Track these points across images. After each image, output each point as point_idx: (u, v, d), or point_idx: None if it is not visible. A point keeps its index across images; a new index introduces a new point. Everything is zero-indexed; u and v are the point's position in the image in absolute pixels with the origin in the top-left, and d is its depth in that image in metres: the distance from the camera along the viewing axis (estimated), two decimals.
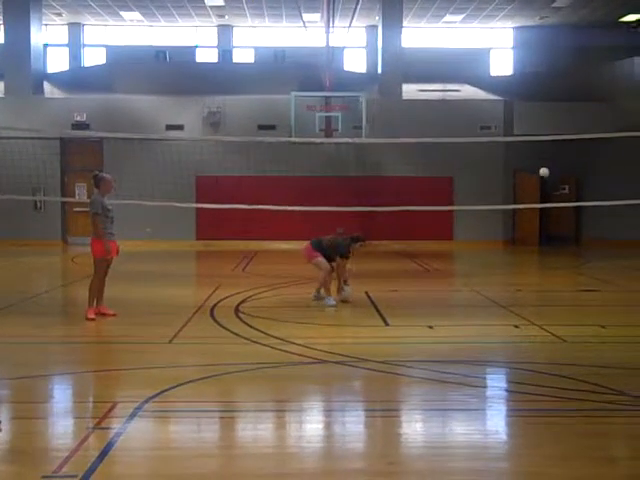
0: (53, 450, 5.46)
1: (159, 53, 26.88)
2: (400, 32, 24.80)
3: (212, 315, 11.01)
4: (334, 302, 11.77)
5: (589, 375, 7.45)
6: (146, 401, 6.53)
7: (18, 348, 8.84)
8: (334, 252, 11.92)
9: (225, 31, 29.36)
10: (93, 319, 10.58)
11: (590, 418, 6.29)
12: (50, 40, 28.66)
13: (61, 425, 6.26)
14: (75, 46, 29.31)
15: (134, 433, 5.85)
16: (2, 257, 19.73)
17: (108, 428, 5.92)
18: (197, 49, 29.59)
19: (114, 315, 10.88)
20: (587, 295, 13.61)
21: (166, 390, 6.89)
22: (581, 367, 7.85)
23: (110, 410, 6.35)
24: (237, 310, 11.40)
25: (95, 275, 10.86)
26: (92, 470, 4.99)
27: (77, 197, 22.53)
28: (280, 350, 8.64)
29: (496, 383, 7.90)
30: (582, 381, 7.22)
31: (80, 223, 22.35)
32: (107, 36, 29.58)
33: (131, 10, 27.30)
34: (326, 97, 21.72)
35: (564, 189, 24.53)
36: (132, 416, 6.15)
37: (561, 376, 7.42)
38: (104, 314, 10.89)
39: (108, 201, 10.99)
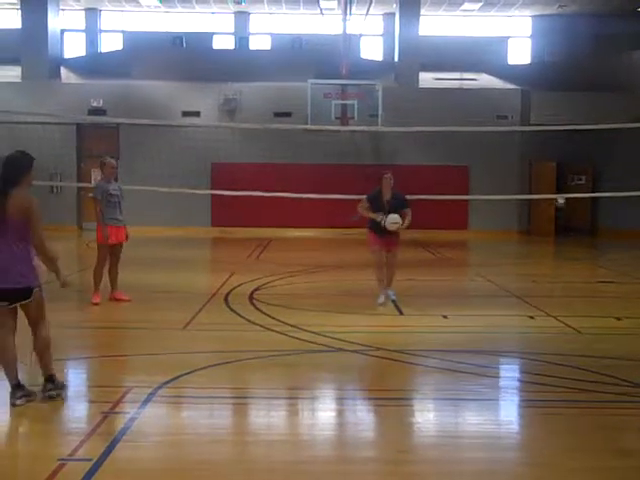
0: (69, 434, 5.51)
1: (176, 39, 26.84)
2: (417, 20, 24.67)
3: (226, 302, 11.04)
4: (381, 300, 10.91)
5: (604, 367, 7.42)
6: (160, 387, 6.57)
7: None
8: (376, 206, 10.89)
9: (242, 18, 29.30)
10: (97, 303, 10.66)
11: (604, 410, 6.27)
12: (67, 25, 28.66)
13: (76, 409, 6.30)
14: (92, 32, 29.33)
15: (148, 418, 5.89)
16: None
17: (122, 413, 5.96)
18: (214, 35, 29.54)
19: (129, 300, 10.95)
20: (603, 286, 13.55)
21: (180, 376, 6.92)
22: (596, 359, 7.82)
23: (124, 395, 6.39)
24: (251, 297, 11.43)
25: (97, 261, 10.93)
26: (107, 454, 5.04)
27: (93, 183, 22.59)
28: (294, 338, 8.65)
29: (510, 373, 7.88)
30: (597, 373, 7.19)
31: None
32: (124, 22, 29.56)
33: None
34: (342, 85, 21.66)
35: (580, 179, 24.38)
36: (146, 401, 6.19)
37: (575, 367, 7.40)
38: (119, 299, 10.96)
39: (113, 185, 10.97)
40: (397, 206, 10.92)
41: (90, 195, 11.41)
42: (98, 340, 8.88)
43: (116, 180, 11.57)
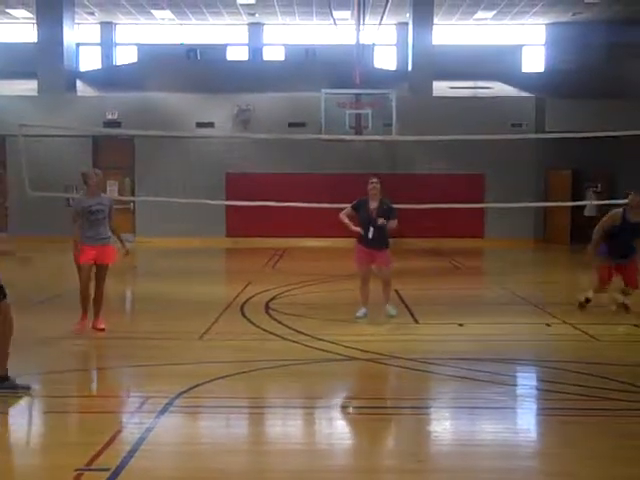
0: (86, 444, 5.51)
1: (190, 51, 26.97)
2: (431, 29, 24.67)
3: (242, 312, 11.05)
4: (361, 313, 10.55)
5: (622, 374, 7.37)
6: (177, 396, 6.58)
7: (50, 343, 8.94)
8: (363, 216, 10.43)
9: (256, 29, 29.41)
10: (79, 331, 9.45)
11: (622, 418, 6.23)
12: (82, 39, 28.87)
13: (93, 419, 6.32)
14: (107, 45, 29.52)
15: (165, 428, 5.90)
16: (34, 253, 19.97)
17: (139, 423, 5.98)
18: (228, 47, 29.68)
19: (103, 330, 9.53)
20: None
21: (196, 386, 6.93)
22: (614, 366, 7.77)
23: (141, 405, 6.41)
24: (267, 307, 11.43)
25: (80, 284, 9.59)
26: (124, 464, 5.05)
27: (108, 195, 22.70)
28: (310, 347, 8.65)
29: (526, 381, 7.85)
30: (614, 380, 7.14)
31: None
32: (139, 35, 29.76)
33: (162, 9, 27.43)
34: (356, 94, 21.66)
35: (596, 187, 24.27)
36: (163, 411, 6.20)
37: (593, 375, 7.35)
38: (96, 328, 9.55)
39: (98, 200, 9.58)
40: (384, 216, 10.33)
41: (116, 207, 10.06)
42: (114, 350, 8.90)
43: (104, 192, 10.33)
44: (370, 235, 10.33)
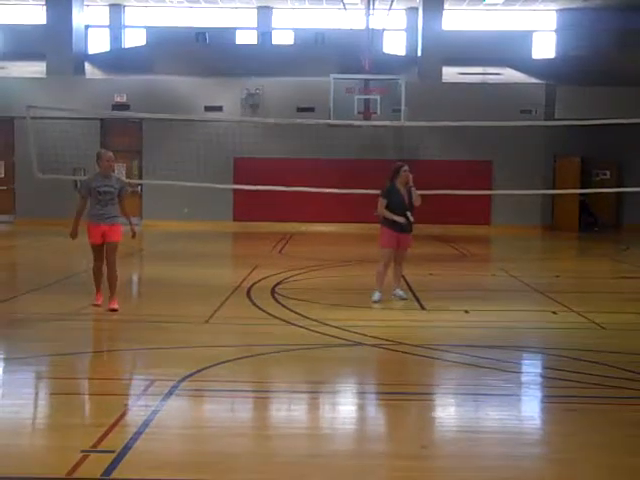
0: (91, 426, 5.54)
1: (199, 35, 26.91)
2: (441, 14, 24.56)
3: (249, 296, 11.07)
4: (377, 297, 10.64)
5: (628, 363, 7.36)
6: (182, 380, 6.61)
7: (58, 325, 8.98)
8: (396, 201, 10.57)
9: (265, 13, 29.30)
10: (98, 305, 9.86)
11: (627, 406, 6.23)
12: (91, 21, 28.83)
13: (99, 401, 6.35)
14: (116, 27, 29.47)
15: (170, 411, 5.92)
16: (43, 236, 20.01)
17: (145, 405, 6.00)
18: (237, 31, 29.58)
19: (116, 310, 9.67)
20: (627, 282, 13.42)
21: (202, 369, 6.96)
22: (620, 354, 7.76)
23: (147, 388, 6.43)
24: (273, 291, 11.45)
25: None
26: (130, 446, 5.07)
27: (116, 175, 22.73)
28: (316, 332, 8.66)
29: (532, 369, 7.85)
30: (620, 368, 7.13)
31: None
32: (147, 17, 29.69)
33: None
34: (365, 80, 21.60)
35: (605, 174, 24.19)
36: (169, 394, 6.23)
37: (599, 363, 7.35)
38: (110, 308, 9.72)
39: (108, 181, 9.79)
40: (410, 202, 10.66)
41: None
42: (120, 333, 8.93)
43: (113, 171, 10.35)
44: (404, 220, 10.48)
